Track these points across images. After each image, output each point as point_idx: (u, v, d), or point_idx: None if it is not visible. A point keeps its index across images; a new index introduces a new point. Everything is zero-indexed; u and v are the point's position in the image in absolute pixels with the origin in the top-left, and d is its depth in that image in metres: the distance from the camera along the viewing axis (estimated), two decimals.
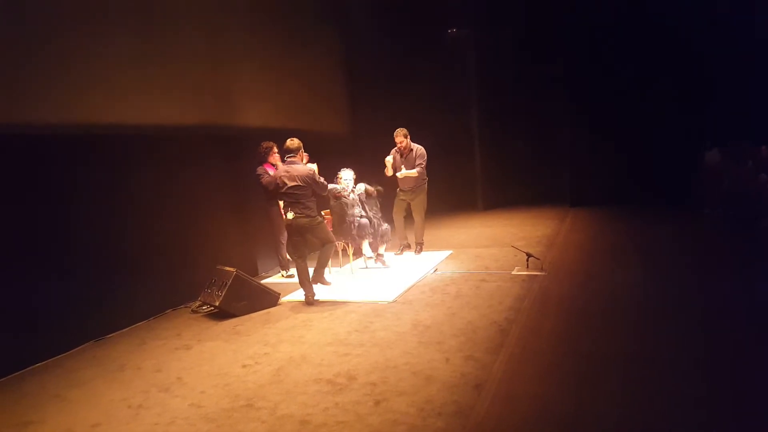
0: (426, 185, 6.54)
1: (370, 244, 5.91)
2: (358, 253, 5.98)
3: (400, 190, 6.59)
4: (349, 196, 5.82)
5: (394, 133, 6.37)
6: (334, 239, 5.20)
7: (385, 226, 6.01)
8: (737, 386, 2.83)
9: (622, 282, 4.88)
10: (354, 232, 5.70)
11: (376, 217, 5.98)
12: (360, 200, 5.92)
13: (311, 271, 5.09)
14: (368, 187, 6.02)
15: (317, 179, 4.91)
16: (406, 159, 6.40)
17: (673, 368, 3.09)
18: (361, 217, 5.81)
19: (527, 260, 5.38)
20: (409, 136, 6.38)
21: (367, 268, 5.80)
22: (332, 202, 5.86)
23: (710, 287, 4.54)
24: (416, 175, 6.33)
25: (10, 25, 3.87)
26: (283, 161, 5.14)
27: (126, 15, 4.77)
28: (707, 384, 2.88)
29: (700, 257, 5.68)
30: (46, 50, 4.11)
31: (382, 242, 6.01)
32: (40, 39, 4.08)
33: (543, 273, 5.20)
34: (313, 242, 5.02)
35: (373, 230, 5.87)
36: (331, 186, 5.74)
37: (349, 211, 5.76)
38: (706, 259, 5.59)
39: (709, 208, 7.84)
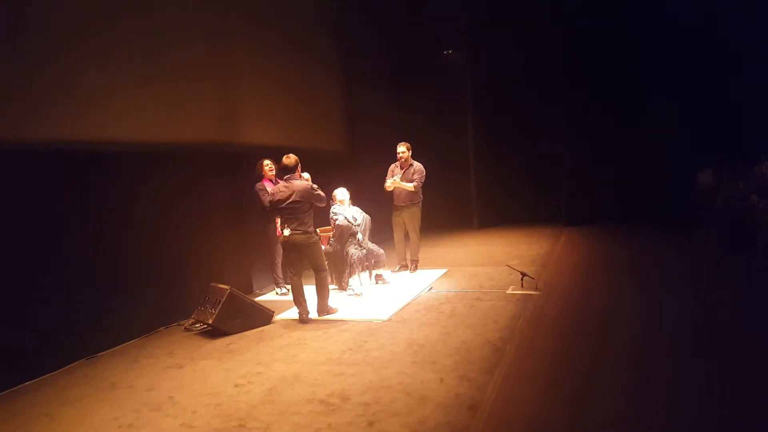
0: (420, 204, 6.56)
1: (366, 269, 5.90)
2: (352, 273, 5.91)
3: (395, 206, 6.61)
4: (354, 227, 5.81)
5: (398, 145, 6.42)
6: (326, 267, 5.17)
7: (377, 250, 5.99)
8: (734, 404, 2.83)
9: (617, 302, 4.89)
10: (353, 262, 5.67)
11: (372, 245, 5.98)
12: (360, 230, 5.89)
13: (306, 289, 5.08)
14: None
15: (315, 191, 4.91)
16: (404, 173, 6.44)
17: (669, 387, 3.09)
18: (360, 249, 5.80)
19: (522, 279, 5.39)
20: (411, 150, 6.44)
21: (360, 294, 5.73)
22: (334, 245, 5.83)
23: (704, 306, 4.56)
24: (412, 189, 6.35)
25: (17, 42, 3.92)
26: (281, 179, 5.15)
27: (129, 34, 4.83)
28: (703, 402, 2.87)
29: (694, 276, 5.70)
30: (50, 68, 4.14)
31: (377, 267, 6.01)
32: (46, 57, 4.12)
33: (538, 292, 5.21)
34: (308, 262, 5.03)
35: (368, 262, 5.87)
36: (339, 221, 5.74)
37: (348, 247, 5.74)
38: (700, 278, 5.62)
39: (702, 228, 7.90)
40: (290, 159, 4.97)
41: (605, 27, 9.26)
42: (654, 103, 9.71)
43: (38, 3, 4.11)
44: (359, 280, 5.76)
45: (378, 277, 6.12)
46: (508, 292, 5.32)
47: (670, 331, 4.04)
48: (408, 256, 6.70)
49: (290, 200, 4.84)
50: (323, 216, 5.82)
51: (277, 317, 5.12)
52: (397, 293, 5.65)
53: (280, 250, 5.89)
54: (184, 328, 5.00)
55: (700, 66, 8.95)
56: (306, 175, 5.30)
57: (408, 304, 5.22)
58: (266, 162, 5.94)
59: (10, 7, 3.91)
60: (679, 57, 9.03)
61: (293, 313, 5.11)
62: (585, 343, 3.95)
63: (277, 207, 4.94)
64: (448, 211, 10.13)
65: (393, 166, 6.54)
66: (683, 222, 8.40)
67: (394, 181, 6.37)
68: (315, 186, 4.97)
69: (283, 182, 5.00)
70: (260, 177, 5.94)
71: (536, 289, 5.29)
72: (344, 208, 5.92)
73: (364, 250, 5.84)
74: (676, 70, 9.12)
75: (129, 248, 4.79)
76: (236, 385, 3.57)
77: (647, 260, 6.72)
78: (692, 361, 3.44)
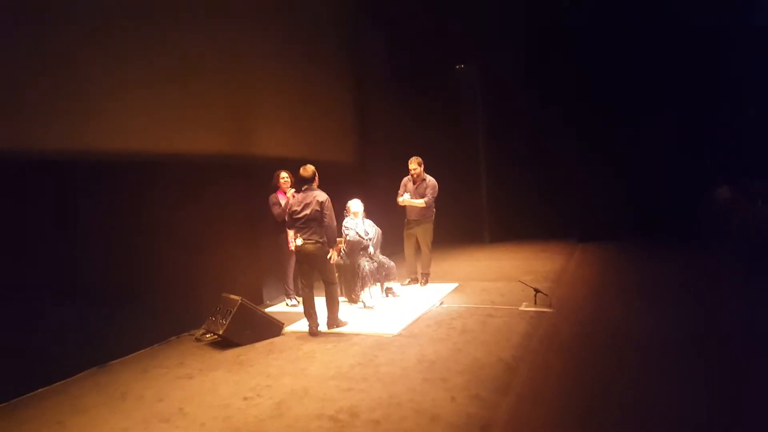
0: (433, 217, 6.56)
1: (378, 282, 5.89)
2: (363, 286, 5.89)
3: (407, 220, 6.62)
4: (366, 242, 5.84)
5: (409, 160, 6.44)
6: (336, 279, 5.17)
7: (388, 263, 5.98)
8: (749, 424, 2.76)
9: (632, 320, 4.81)
10: (365, 275, 5.66)
11: (383, 258, 5.98)
12: (372, 244, 5.90)
13: (317, 301, 5.07)
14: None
15: (326, 208, 4.88)
16: (417, 188, 6.45)
17: (684, 408, 3.02)
18: (371, 262, 5.80)
19: (535, 296, 5.33)
20: (423, 165, 6.45)
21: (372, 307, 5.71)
22: (344, 260, 5.83)
23: (720, 326, 4.46)
24: (423, 205, 6.36)
25: (31, 52, 3.99)
26: (299, 190, 5.15)
27: (145, 45, 4.90)
28: (718, 423, 2.80)
29: (710, 295, 5.59)
30: (64, 76, 4.20)
31: (387, 279, 5.99)
32: (60, 66, 4.18)
33: (551, 310, 5.14)
34: (318, 273, 5.03)
35: (380, 275, 5.87)
36: (351, 237, 5.75)
37: (360, 259, 5.74)
38: (716, 297, 5.51)
39: (719, 246, 7.77)
40: (307, 171, 4.99)
41: (619, 42, 9.22)
42: (670, 119, 9.60)
43: (62, 20, 4.19)
44: (370, 293, 5.74)
45: (388, 290, 6.10)
46: (520, 308, 5.26)
47: (686, 352, 3.96)
48: (419, 270, 6.68)
49: (306, 210, 4.86)
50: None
51: (287, 329, 5.11)
52: (408, 307, 5.62)
53: (291, 262, 5.91)
54: (195, 338, 5.01)
55: (718, 78, 8.84)
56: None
57: (418, 318, 5.19)
58: (282, 174, 5.97)
59: (38, 21, 4.00)
60: (696, 69, 8.93)
61: (303, 325, 5.10)
62: (599, 362, 3.88)
63: (293, 217, 4.95)
64: (459, 224, 10.08)
65: (406, 179, 6.56)
66: (699, 239, 8.27)
67: (404, 199, 6.41)
68: (328, 211, 4.89)
69: (300, 193, 5.02)
70: (275, 188, 5.97)
71: (550, 306, 5.22)
72: (357, 222, 5.92)
73: (375, 263, 5.83)
74: (693, 83, 9.02)
75: (142, 257, 4.82)
76: (245, 398, 3.55)
77: (663, 278, 6.61)
78: (708, 382, 3.36)
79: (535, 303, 5.27)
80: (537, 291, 5.34)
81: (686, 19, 8.61)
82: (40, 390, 3.93)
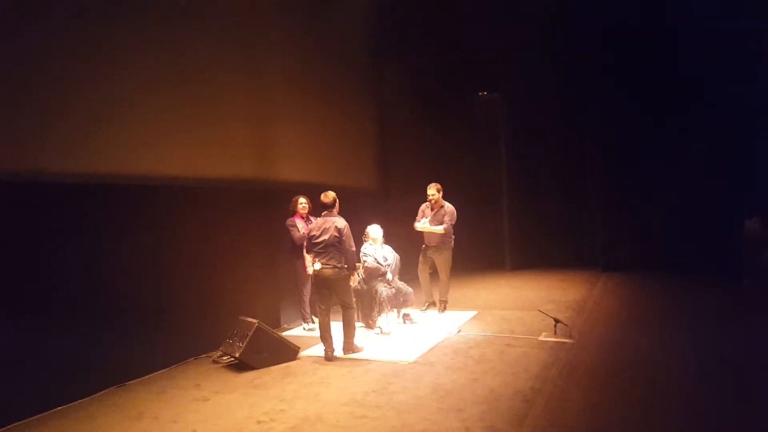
0: (452, 243, 6.53)
1: (394, 307, 5.86)
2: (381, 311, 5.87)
3: (425, 246, 6.60)
4: (384, 269, 5.86)
5: (428, 186, 6.45)
6: (353, 304, 5.18)
7: (406, 289, 5.96)
8: None
9: (656, 354, 4.66)
10: (382, 300, 5.64)
11: (401, 284, 5.97)
12: (390, 270, 5.91)
13: (333, 326, 5.06)
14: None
15: (344, 235, 4.91)
16: (435, 215, 6.44)
17: None
18: (389, 288, 5.79)
19: (555, 326, 5.22)
20: (441, 192, 6.45)
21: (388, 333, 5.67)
22: (362, 285, 5.85)
23: (751, 363, 4.28)
24: (442, 232, 6.34)
25: (66, 81, 4.19)
26: (319, 215, 5.20)
27: (170, 74, 5.06)
28: None
29: (741, 330, 5.38)
30: (91, 105, 4.36)
31: (405, 305, 5.95)
32: (89, 94, 4.35)
33: (571, 340, 5.02)
34: (336, 297, 5.04)
35: (397, 301, 5.85)
36: (369, 263, 5.78)
37: (377, 285, 5.74)
38: (747, 332, 5.29)
39: (748, 278, 7.51)
40: (328, 197, 5.06)
41: (644, 68, 9.16)
42: (700, 148, 9.41)
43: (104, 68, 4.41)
44: (387, 319, 5.71)
45: (405, 316, 6.06)
46: (540, 338, 5.15)
47: (714, 389, 3.80)
48: (436, 296, 6.62)
49: (324, 236, 4.91)
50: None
51: (303, 353, 5.11)
52: (425, 334, 5.56)
53: (308, 286, 5.94)
54: (212, 361, 5.04)
55: (748, 111, 8.67)
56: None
57: (435, 346, 5.12)
58: (301, 200, 6.05)
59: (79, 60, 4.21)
60: (727, 101, 8.77)
61: (319, 349, 5.08)
62: (621, 397, 3.76)
63: (312, 242, 5.00)
64: (479, 251, 9.99)
65: (424, 206, 6.56)
66: (729, 271, 8.00)
67: (422, 226, 6.41)
68: (347, 238, 4.92)
69: (321, 218, 5.08)
70: (293, 213, 6.05)
71: (570, 336, 5.10)
72: (375, 248, 5.94)
73: (393, 289, 5.82)
74: (723, 114, 8.86)
75: (161, 280, 4.90)
76: (259, 422, 3.54)
77: (690, 311, 6.40)
78: (736, 422, 3.21)
79: (555, 333, 5.16)
80: (557, 321, 5.23)
81: (713, 50, 8.53)
82: (59, 408, 3.99)
